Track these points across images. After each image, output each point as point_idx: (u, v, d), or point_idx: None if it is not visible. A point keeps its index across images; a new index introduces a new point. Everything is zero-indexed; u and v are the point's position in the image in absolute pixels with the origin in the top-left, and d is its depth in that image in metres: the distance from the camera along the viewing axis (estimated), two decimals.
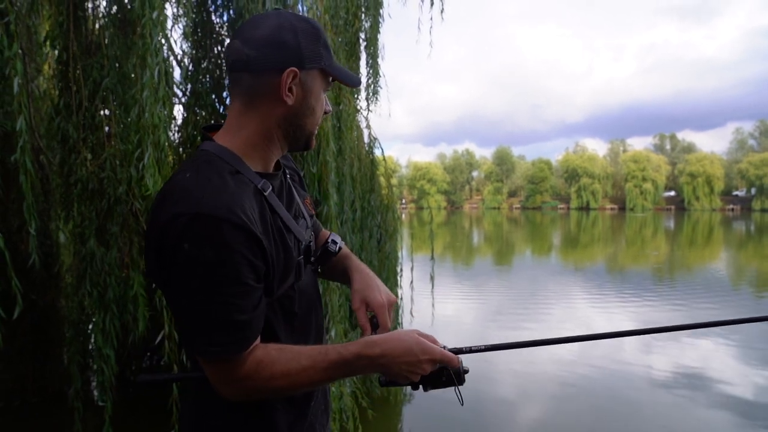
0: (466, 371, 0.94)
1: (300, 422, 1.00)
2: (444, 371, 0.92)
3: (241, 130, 0.92)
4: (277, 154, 0.97)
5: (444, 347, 0.93)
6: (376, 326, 1.01)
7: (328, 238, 1.09)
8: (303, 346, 0.90)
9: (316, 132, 0.98)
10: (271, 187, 0.92)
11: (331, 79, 0.96)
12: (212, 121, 3.59)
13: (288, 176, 1.05)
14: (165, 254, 0.80)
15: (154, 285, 2.68)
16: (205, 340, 0.83)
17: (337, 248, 1.06)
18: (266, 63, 0.87)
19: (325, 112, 0.98)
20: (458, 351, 0.95)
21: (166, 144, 2.58)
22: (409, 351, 0.88)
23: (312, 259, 1.04)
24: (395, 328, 4.35)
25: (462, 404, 0.93)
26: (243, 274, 0.81)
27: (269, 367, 0.85)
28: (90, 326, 3.48)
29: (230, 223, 0.79)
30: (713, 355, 5.54)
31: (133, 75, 2.78)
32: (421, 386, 0.94)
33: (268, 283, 0.89)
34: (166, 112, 2.62)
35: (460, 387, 0.93)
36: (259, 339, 0.88)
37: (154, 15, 2.36)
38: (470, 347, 0.97)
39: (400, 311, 4.42)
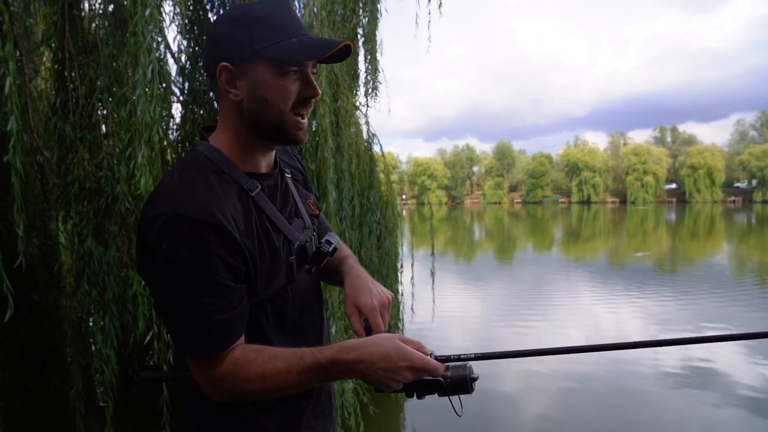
0: (475, 379, 0.87)
1: (296, 424, 0.98)
2: (446, 378, 0.86)
3: (224, 131, 0.92)
4: (264, 151, 0.95)
5: (431, 354, 0.87)
6: (369, 331, 0.96)
7: (323, 238, 1.04)
8: (282, 349, 0.86)
9: (290, 121, 0.88)
10: (259, 187, 0.91)
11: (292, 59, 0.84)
12: (210, 119, 3.58)
13: (290, 175, 1.03)
14: (147, 253, 0.81)
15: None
16: (184, 339, 0.84)
17: (331, 249, 1.00)
18: (208, 64, 0.87)
19: (309, 97, 0.88)
20: (445, 359, 0.88)
21: (163, 142, 2.57)
22: (387, 357, 0.82)
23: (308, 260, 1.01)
24: (395, 325, 4.28)
25: (460, 415, 0.87)
26: (219, 275, 0.81)
27: (245, 369, 0.84)
28: (90, 326, 3.48)
29: (206, 224, 0.79)
30: (721, 349, 5.50)
31: (129, 73, 2.76)
32: (415, 394, 0.88)
33: (251, 284, 0.88)
34: (162, 111, 2.60)
35: (468, 395, 0.87)
36: (242, 339, 0.87)
37: (147, 13, 2.33)
38: (458, 355, 0.88)
39: (401, 308, 4.41)
